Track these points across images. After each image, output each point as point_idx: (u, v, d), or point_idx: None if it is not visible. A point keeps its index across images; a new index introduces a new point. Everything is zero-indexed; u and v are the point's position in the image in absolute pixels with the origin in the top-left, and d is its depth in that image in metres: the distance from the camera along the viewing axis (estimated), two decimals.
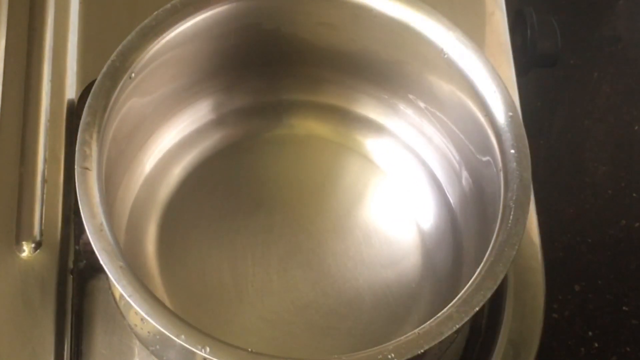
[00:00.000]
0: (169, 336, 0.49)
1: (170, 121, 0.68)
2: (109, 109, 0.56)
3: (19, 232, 0.63)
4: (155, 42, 0.59)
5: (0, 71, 0.68)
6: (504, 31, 0.76)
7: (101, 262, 0.51)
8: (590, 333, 0.97)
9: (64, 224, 0.64)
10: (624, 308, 0.99)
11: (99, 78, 0.57)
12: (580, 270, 1.01)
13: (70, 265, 0.63)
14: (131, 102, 0.60)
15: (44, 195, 0.64)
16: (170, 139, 0.68)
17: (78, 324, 0.62)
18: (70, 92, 0.69)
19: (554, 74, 1.06)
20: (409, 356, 0.50)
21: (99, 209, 0.53)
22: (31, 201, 0.64)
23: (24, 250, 0.62)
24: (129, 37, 0.59)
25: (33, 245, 0.62)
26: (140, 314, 0.50)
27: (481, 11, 0.76)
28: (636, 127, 1.07)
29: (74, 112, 0.68)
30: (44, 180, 0.64)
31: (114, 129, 0.58)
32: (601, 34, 1.12)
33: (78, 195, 0.53)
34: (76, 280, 0.63)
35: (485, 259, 0.54)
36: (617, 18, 1.13)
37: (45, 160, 0.65)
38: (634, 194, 1.05)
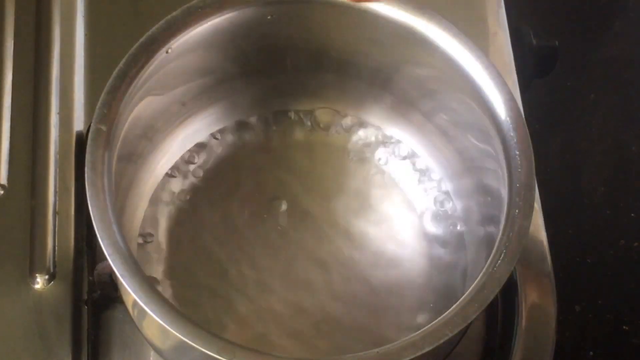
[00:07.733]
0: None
1: (180, 127, 0.69)
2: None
3: (33, 265, 0.63)
4: (160, 51, 0.60)
5: (9, 105, 0.69)
6: (508, 51, 0.77)
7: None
8: (591, 353, 0.97)
9: (77, 255, 0.64)
10: (624, 327, 0.99)
11: (107, 86, 0.57)
12: (580, 291, 1.01)
13: (85, 296, 0.63)
14: (137, 109, 0.60)
15: (56, 227, 0.64)
16: (178, 145, 0.69)
17: (94, 354, 0.62)
18: (79, 124, 0.70)
19: (550, 97, 1.07)
20: (410, 357, 0.50)
21: (110, 216, 0.53)
22: (43, 233, 0.64)
23: (37, 282, 0.63)
24: (132, 49, 0.59)
25: (47, 277, 0.63)
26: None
27: (484, 32, 0.77)
28: (633, 148, 1.07)
29: (83, 144, 0.68)
30: (56, 212, 0.65)
31: (122, 136, 0.58)
32: (597, 56, 1.13)
33: (88, 200, 0.53)
34: (91, 311, 0.63)
35: (489, 261, 0.54)
36: (613, 40, 1.13)
37: (56, 192, 0.66)
38: (632, 214, 1.05)
